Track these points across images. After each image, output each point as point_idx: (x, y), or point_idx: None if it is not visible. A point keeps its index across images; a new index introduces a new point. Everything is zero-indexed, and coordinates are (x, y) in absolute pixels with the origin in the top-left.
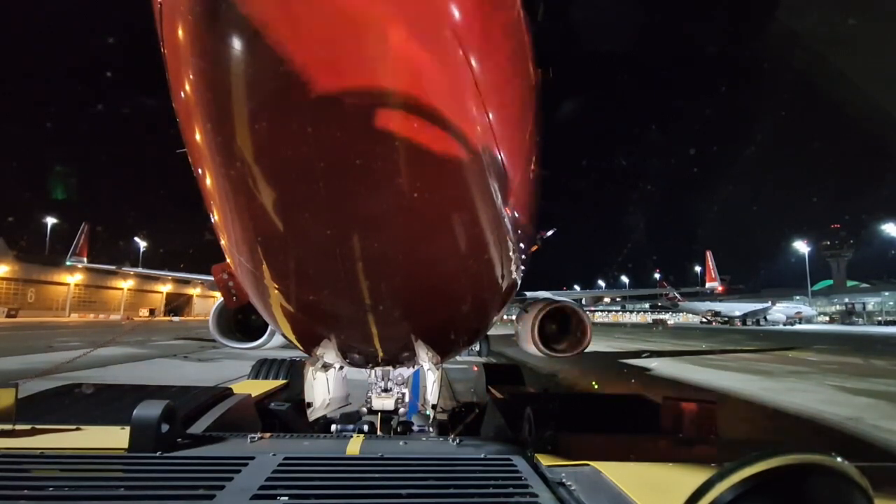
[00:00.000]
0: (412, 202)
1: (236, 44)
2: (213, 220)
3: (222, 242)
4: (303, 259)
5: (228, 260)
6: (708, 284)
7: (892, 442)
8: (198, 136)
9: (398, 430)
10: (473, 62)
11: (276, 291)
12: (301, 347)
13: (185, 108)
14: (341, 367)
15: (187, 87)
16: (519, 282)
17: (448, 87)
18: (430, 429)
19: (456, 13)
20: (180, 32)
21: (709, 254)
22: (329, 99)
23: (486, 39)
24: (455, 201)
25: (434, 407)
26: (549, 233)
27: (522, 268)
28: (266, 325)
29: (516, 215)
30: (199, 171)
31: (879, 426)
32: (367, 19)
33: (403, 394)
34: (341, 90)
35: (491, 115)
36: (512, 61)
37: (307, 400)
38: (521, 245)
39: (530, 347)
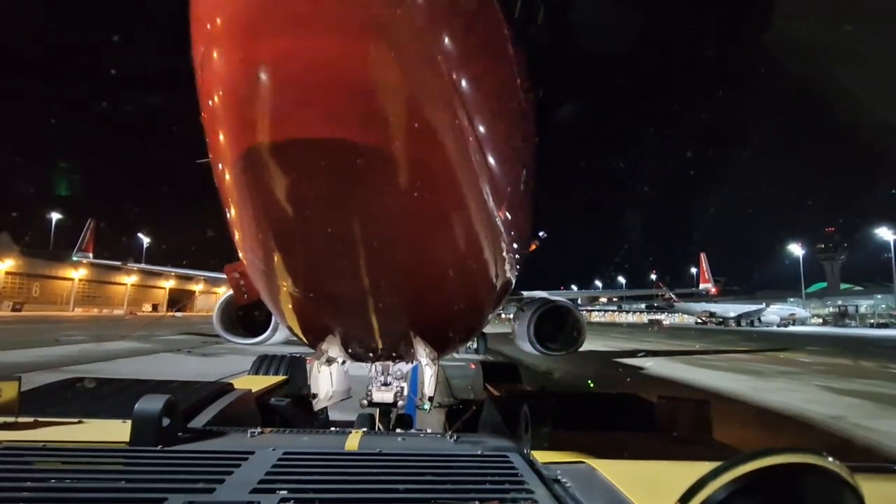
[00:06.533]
0: (414, 207)
1: (262, 61)
2: (229, 223)
3: (237, 244)
4: (312, 260)
5: (242, 260)
6: (702, 286)
7: (870, 438)
8: (223, 149)
9: (396, 422)
10: (471, 69)
11: (287, 290)
12: (307, 342)
13: (211, 120)
14: (343, 362)
15: (215, 99)
16: (514, 281)
17: (447, 94)
18: (428, 421)
19: (454, 21)
20: (214, 53)
21: (703, 256)
22: (340, 111)
23: (485, 46)
24: (453, 206)
25: (431, 400)
26: (543, 234)
27: (518, 268)
28: (267, 322)
29: (512, 218)
30: (222, 179)
31: (860, 424)
32: (373, 37)
33: (402, 388)
34: (350, 100)
35: (488, 121)
36: (509, 67)
37: (312, 392)
38: (517, 246)
39: (526, 345)
